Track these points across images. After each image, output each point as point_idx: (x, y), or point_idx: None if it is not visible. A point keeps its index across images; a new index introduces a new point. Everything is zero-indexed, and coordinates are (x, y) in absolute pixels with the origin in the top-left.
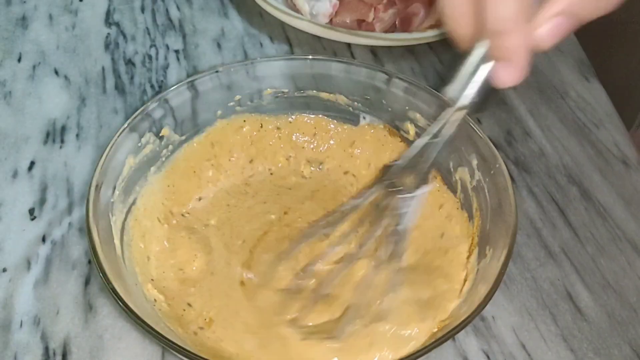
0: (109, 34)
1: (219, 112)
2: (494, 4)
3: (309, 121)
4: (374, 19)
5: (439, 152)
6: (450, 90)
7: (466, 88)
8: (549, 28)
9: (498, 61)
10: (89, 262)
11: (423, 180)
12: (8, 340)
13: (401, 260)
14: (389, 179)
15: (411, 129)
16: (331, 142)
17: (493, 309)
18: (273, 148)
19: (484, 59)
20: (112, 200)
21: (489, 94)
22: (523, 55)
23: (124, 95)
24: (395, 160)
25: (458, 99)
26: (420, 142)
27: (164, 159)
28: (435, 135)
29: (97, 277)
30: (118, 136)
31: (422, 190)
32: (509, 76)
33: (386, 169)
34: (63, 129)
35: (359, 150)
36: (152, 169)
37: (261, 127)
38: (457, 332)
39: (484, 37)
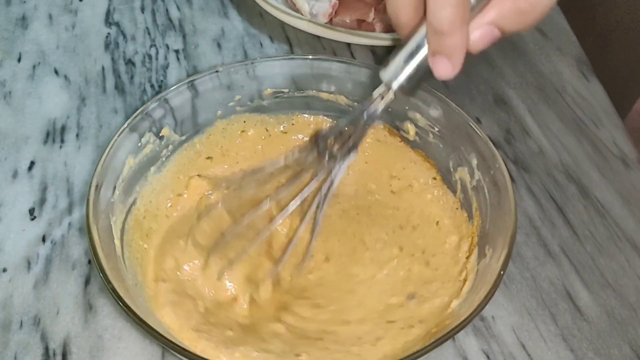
0: (108, 33)
1: (219, 112)
2: (435, 5)
3: (309, 121)
4: (374, 19)
5: (364, 127)
6: (386, 72)
7: (400, 73)
8: (479, 34)
9: (435, 56)
10: (89, 262)
11: (350, 150)
12: (8, 340)
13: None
14: (322, 147)
15: (411, 129)
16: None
17: (493, 309)
18: (272, 148)
19: (419, 48)
20: (112, 200)
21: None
22: (460, 54)
23: (123, 95)
24: (325, 131)
25: (392, 81)
26: (350, 117)
27: (164, 159)
28: (364, 111)
29: (97, 277)
30: (118, 136)
31: (350, 159)
32: (445, 70)
33: (316, 138)
34: (63, 128)
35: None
36: (152, 169)
37: (261, 126)
38: (457, 332)
39: (423, 29)
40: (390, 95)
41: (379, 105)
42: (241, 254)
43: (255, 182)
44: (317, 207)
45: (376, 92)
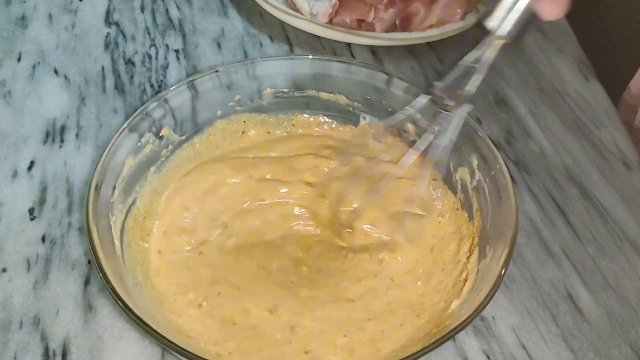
0: (108, 33)
1: (219, 112)
2: None
3: (308, 121)
4: (374, 19)
5: (478, 76)
6: (492, 19)
7: (507, 17)
8: None
9: None
10: (89, 262)
11: (465, 100)
12: (8, 340)
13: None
14: (435, 94)
15: (411, 129)
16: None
17: (493, 309)
18: (272, 147)
19: None
20: (112, 200)
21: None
22: None
23: (123, 95)
24: (439, 81)
25: (498, 27)
26: (462, 65)
27: (163, 159)
28: (476, 61)
29: (97, 277)
30: (118, 136)
31: (464, 108)
32: (552, 10)
33: (430, 87)
34: (63, 128)
35: None
36: (152, 169)
37: (261, 127)
38: (457, 332)
39: None
40: (498, 43)
41: (491, 54)
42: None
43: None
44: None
45: (482, 44)
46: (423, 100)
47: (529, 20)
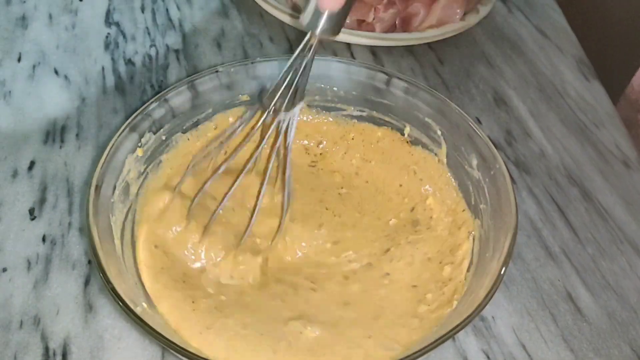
0: (108, 33)
1: (219, 112)
2: None
3: (308, 121)
4: (374, 19)
5: (302, 76)
6: (302, 18)
7: (310, 15)
8: None
9: None
10: (89, 262)
11: (297, 100)
12: (8, 340)
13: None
14: (269, 103)
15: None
16: (330, 142)
17: (493, 309)
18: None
19: None
20: (112, 200)
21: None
22: None
23: (123, 95)
24: (268, 88)
25: (310, 24)
26: (286, 70)
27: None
28: (297, 62)
29: (97, 277)
30: (118, 136)
31: (299, 107)
32: (328, 3)
33: (262, 96)
34: (63, 128)
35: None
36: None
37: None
38: (457, 332)
39: None
40: (315, 40)
41: (310, 52)
42: (211, 221)
43: (215, 151)
44: (282, 171)
45: (304, 41)
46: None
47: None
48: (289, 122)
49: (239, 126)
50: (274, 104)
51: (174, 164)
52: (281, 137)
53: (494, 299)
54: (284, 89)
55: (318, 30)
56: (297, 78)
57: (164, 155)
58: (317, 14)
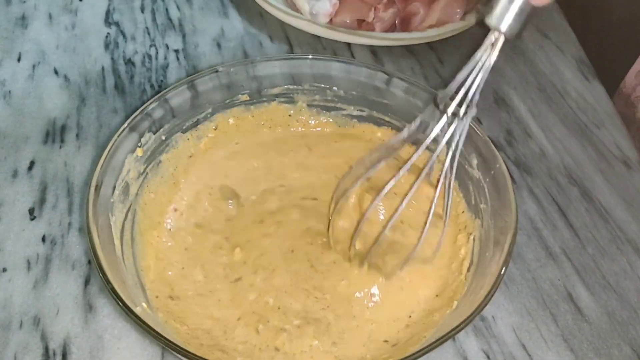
0: (108, 33)
1: (219, 112)
2: None
3: (308, 122)
4: (374, 19)
5: (482, 79)
6: (491, 17)
7: (506, 13)
8: None
9: None
10: (89, 262)
11: (470, 106)
12: (8, 340)
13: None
14: (442, 105)
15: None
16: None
17: (493, 309)
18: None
19: None
20: (112, 200)
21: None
22: None
23: (123, 95)
24: (443, 89)
25: (499, 25)
26: (465, 72)
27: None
28: (478, 63)
29: (97, 277)
30: (118, 136)
31: (471, 114)
32: None
33: (436, 97)
34: (63, 128)
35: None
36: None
37: (262, 126)
38: (457, 332)
39: None
40: (501, 40)
41: (493, 53)
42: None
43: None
44: (445, 176)
45: (486, 41)
46: (430, 110)
47: (528, 14)
48: (461, 128)
49: (413, 131)
50: (451, 110)
51: (178, 164)
52: (449, 143)
53: (494, 298)
54: (464, 94)
55: (506, 28)
56: (479, 82)
57: (164, 155)
58: (506, 11)
